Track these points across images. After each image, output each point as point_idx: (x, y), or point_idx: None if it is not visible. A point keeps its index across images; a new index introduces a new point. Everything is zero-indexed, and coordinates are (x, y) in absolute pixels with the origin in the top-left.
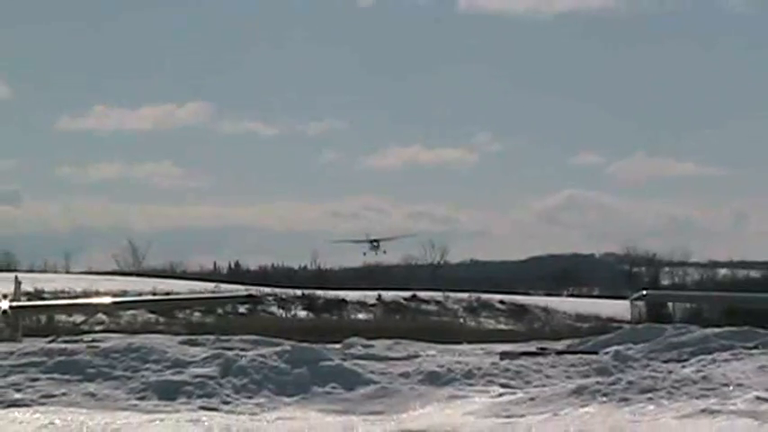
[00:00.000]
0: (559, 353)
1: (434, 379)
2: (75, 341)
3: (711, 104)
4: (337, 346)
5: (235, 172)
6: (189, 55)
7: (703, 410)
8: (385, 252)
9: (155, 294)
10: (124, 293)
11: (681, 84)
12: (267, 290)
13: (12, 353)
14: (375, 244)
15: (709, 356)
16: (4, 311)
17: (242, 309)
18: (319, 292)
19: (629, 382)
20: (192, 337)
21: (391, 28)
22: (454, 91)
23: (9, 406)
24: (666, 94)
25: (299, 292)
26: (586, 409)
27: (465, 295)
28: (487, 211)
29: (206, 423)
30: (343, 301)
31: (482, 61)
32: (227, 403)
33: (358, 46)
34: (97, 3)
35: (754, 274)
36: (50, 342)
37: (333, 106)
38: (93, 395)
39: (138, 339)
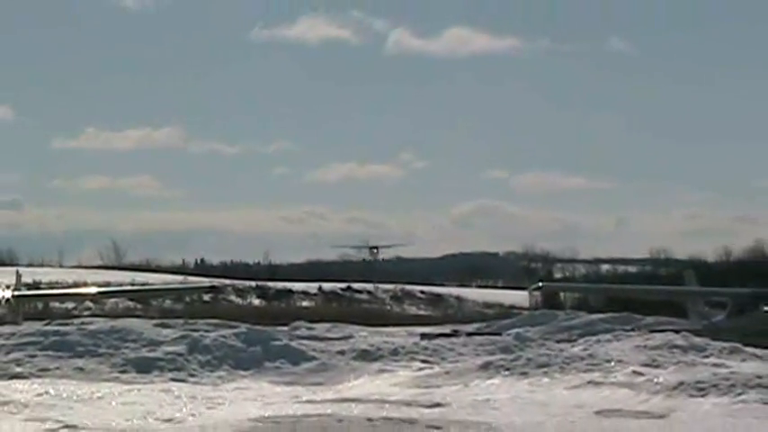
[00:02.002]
0: (469, 334)
1: (366, 356)
2: (67, 324)
3: (597, 124)
4: (285, 328)
5: (202, 184)
6: (164, 86)
7: (589, 382)
8: (383, 259)
9: (133, 285)
10: (108, 284)
11: (570, 111)
12: (227, 282)
13: (13, 334)
14: (375, 250)
15: (594, 337)
16: (8, 300)
17: (206, 297)
18: (270, 284)
19: (528, 359)
20: (164, 321)
21: (334, 66)
22: (385, 118)
23: (11, 378)
24: (559, 120)
25: (253, 283)
26: (492, 380)
27: (391, 286)
28: (411, 217)
29: (176, 392)
30: (290, 290)
31: (407, 93)
32: (193, 376)
33: (306, 80)
34: (88, 42)
35: (631, 269)
36: (46, 325)
37: (284, 130)
38: (81, 369)
39: (119, 323)
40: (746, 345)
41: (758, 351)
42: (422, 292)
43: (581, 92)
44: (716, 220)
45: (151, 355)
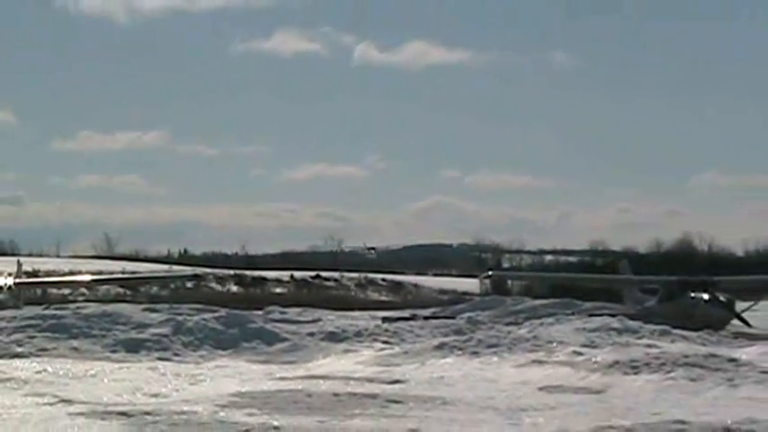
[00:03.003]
0: (426, 318)
1: (333, 337)
2: (63, 308)
3: (541, 129)
4: (260, 312)
5: (185, 182)
6: (152, 93)
7: (534, 361)
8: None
9: (123, 273)
10: (100, 273)
11: (516, 116)
12: (208, 270)
13: (15, 317)
14: (372, 250)
15: (538, 321)
16: (10, 286)
17: (189, 285)
18: (247, 272)
19: (479, 340)
20: (152, 306)
21: (306, 76)
22: (352, 123)
23: (12, 357)
24: (506, 124)
25: (232, 272)
26: (446, 359)
27: (356, 275)
28: (375, 212)
29: (161, 370)
30: (265, 278)
31: (372, 101)
32: (177, 355)
33: (280, 88)
34: (84, 55)
35: (572, 259)
36: (44, 309)
37: (260, 134)
38: (76, 349)
39: (110, 307)
40: (675, 327)
41: (685, 333)
42: (383, 279)
43: (527, 99)
44: (647, 215)
45: (139, 336)
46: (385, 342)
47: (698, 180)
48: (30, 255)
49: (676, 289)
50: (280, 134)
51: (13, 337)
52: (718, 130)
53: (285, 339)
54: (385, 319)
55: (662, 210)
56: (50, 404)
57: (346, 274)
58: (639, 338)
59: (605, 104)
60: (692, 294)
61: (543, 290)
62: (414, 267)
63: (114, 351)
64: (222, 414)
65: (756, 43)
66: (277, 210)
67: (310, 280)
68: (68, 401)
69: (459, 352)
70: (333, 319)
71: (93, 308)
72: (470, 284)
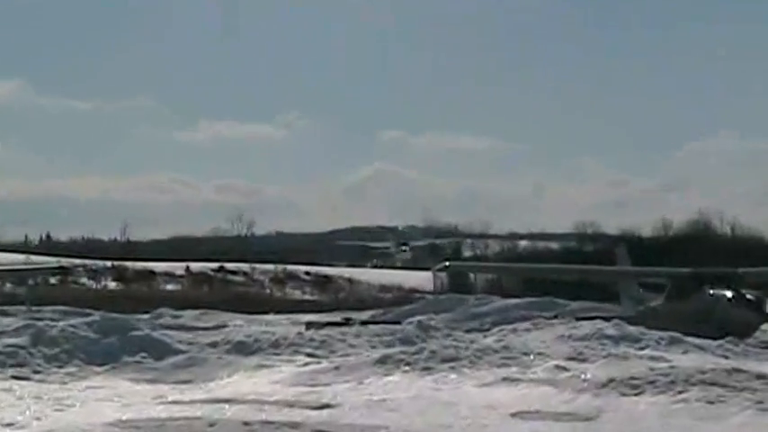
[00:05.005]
0: (363, 323)
1: (242, 348)
2: None
3: (510, 81)
4: (146, 316)
5: (49, 146)
6: (6, 36)
7: (504, 379)
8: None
9: None
10: None
11: (481, 64)
12: (78, 261)
13: None
14: (404, 247)
15: (510, 326)
16: None
17: (53, 280)
18: (128, 264)
19: (432, 352)
20: (4, 308)
21: (205, 8)
22: (265, 69)
23: None
24: (465, 74)
25: (108, 263)
26: (390, 377)
27: (271, 267)
28: (294, 184)
29: (17, 392)
30: (152, 272)
31: (289, 39)
32: (37, 372)
33: (170, 26)
34: None
35: (553, 245)
36: None
37: (147, 82)
38: None
39: None
40: (687, 334)
41: (701, 341)
42: (307, 273)
43: (495, 44)
44: (648, 189)
45: None
46: (310, 355)
47: (713, 144)
48: None
49: (689, 284)
50: (171, 84)
51: None
52: (734, 81)
53: (179, 351)
54: (310, 325)
55: (667, 181)
56: None
57: (259, 266)
58: (641, 349)
59: (592, 52)
60: (710, 291)
61: (515, 286)
62: (347, 257)
63: None
64: None
65: None
66: (168, 182)
67: (212, 274)
68: None
69: (407, 367)
70: (242, 325)
71: None
72: (421, 279)
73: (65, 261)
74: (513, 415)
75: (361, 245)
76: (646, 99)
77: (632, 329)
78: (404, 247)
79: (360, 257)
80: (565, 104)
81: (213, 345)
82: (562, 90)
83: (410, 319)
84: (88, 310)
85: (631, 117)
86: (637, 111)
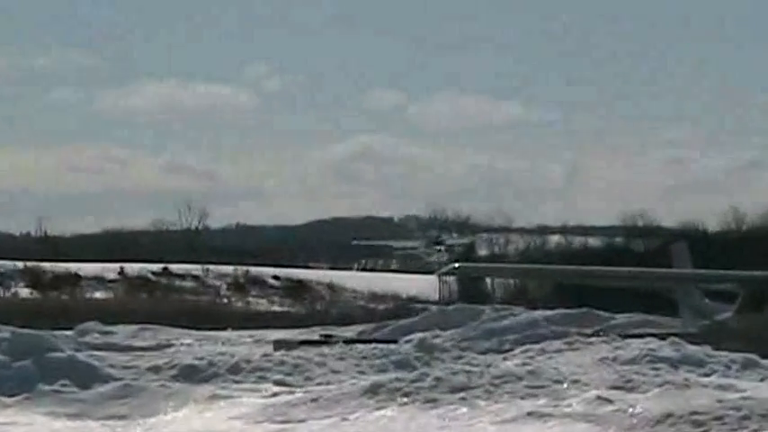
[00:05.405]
0: (349, 341)
1: (192, 374)
2: None
3: (535, 26)
4: (69, 332)
5: None
6: None
7: (530, 413)
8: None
9: None
10: None
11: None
12: None
13: None
14: (440, 247)
15: (537, 346)
16: None
17: None
18: (46, 265)
19: (437, 379)
20: None
21: None
22: (225, 16)
23: None
24: (484, 23)
25: (20, 264)
26: (383, 411)
27: (230, 269)
28: (260, 163)
29: None
30: (77, 275)
31: None
32: None
33: None
34: None
35: (593, 241)
36: None
37: (68, 32)
38: None
39: None
40: (766, 356)
41: None
42: (276, 277)
43: None
44: (716, 170)
45: None
46: (280, 382)
47: None
48: None
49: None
50: (99, 33)
51: None
52: None
53: (111, 378)
54: (279, 344)
55: (740, 161)
56: None
57: (214, 269)
58: (706, 375)
59: None
60: None
61: (545, 293)
62: (327, 257)
63: None
64: None
65: None
66: (96, 160)
67: (153, 278)
68: None
69: (405, 399)
70: (192, 344)
71: None
72: (422, 284)
73: None
74: None
75: (377, 244)
76: (717, 52)
77: (695, 350)
78: (438, 247)
79: (344, 257)
80: (610, 62)
81: (155, 369)
82: (605, 44)
83: (409, 337)
84: None
85: (696, 77)
86: (703, 66)
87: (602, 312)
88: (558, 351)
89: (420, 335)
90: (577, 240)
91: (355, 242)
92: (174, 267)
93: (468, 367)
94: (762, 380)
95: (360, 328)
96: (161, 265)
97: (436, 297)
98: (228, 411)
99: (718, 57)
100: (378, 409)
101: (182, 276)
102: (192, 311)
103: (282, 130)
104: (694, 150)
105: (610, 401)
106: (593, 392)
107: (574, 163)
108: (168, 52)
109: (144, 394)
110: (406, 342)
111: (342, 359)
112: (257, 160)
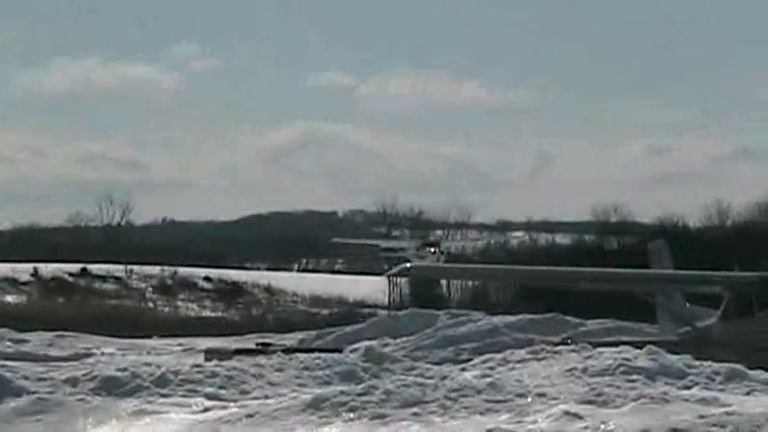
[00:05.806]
0: (288, 350)
1: (114, 387)
2: None
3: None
4: None
5: None
6: None
7: (491, 431)
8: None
9: None
10: None
11: None
12: None
13: None
14: (433, 249)
15: (499, 355)
16: None
17: None
18: None
19: (387, 392)
20: None
21: None
22: None
23: None
24: None
25: None
26: (327, 429)
27: (156, 269)
28: (189, 151)
29: None
30: None
31: None
32: None
33: None
34: None
35: (560, 239)
36: None
37: None
38: None
39: None
40: (753, 367)
41: None
42: (207, 278)
43: None
44: (699, 159)
45: None
46: (212, 396)
47: None
48: None
49: (754, 294)
50: (14, 11)
51: None
52: None
53: (23, 391)
54: (211, 354)
55: (725, 148)
56: None
57: (138, 269)
58: (687, 388)
59: None
60: None
61: (508, 297)
62: (265, 256)
63: None
64: None
65: None
66: (5, 148)
67: (70, 279)
68: None
69: (351, 414)
70: (114, 354)
71: None
72: (370, 287)
73: None
74: None
75: (360, 243)
76: (699, 35)
77: (674, 360)
78: (431, 249)
79: (284, 257)
80: (583, 39)
81: (72, 382)
82: (579, 19)
83: (355, 346)
84: None
85: (676, 54)
86: (685, 50)
87: (570, 318)
88: (522, 361)
89: (368, 343)
90: (544, 237)
91: (336, 240)
92: (93, 268)
93: (421, 379)
94: (748, 393)
95: (301, 335)
96: (79, 266)
97: (385, 301)
98: (155, 428)
99: (699, 41)
100: (321, 425)
101: (102, 278)
102: (113, 317)
103: (213, 116)
104: (674, 138)
105: (579, 417)
106: (561, 407)
107: (540, 151)
108: (85, 30)
109: (60, 409)
110: (353, 351)
111: (281, 370)
112: (186, 149)
